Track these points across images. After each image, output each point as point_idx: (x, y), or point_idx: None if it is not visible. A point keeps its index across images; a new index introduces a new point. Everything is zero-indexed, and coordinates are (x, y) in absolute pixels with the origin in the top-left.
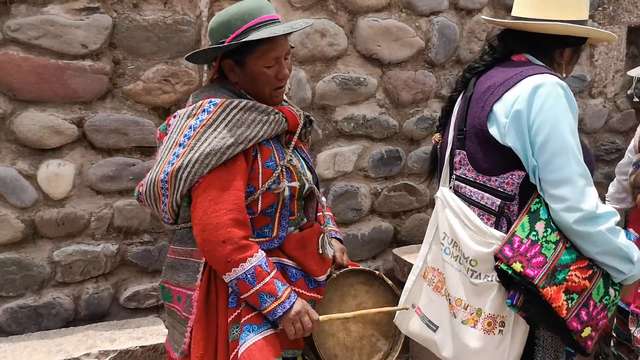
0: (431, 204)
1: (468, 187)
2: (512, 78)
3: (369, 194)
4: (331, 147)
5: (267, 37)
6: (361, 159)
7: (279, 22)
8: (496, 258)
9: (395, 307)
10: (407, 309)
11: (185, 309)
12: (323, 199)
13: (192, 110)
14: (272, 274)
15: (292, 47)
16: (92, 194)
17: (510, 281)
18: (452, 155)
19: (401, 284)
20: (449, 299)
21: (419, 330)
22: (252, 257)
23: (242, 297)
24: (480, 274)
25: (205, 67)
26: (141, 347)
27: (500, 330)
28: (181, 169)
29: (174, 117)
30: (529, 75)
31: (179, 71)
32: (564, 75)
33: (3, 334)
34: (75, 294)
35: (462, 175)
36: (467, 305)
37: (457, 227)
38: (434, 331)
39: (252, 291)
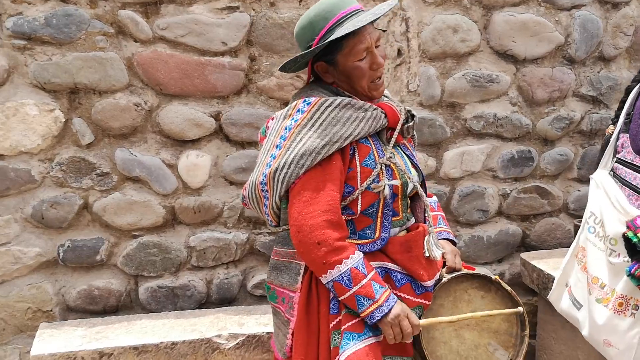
0: (564, 209)
1: (625, 168)
2: None
3: (497, 195)
4: (459, 146)
5: (352, 30)
6: (490, 158)
7: (363, 11)
8: (626, 227)
9: (506, 310)
10: (519, 312)
11: (287, 310)
12: (432, 199)
13: (288, 110)
14: (370, 276)
15: (384, 30)
16: (226, 184)
17: (635, 252)
18: (617, 139)
19: (529, 290)
20: (587, 276)
21: (567, 309)
22: (347, 258)
23: (341, 299)
24: (619, 253)
25: None
26: (267, 333)
27: (632, 314)
28: (278, 170)
29: (272, 119)
30: None
31: None
32: None
33: (144, 310)
34: (208, 278)
35: (622, 158)
36: (604, 285)
37: (605, 206)
38: (578, 309)
39: (348, 294)
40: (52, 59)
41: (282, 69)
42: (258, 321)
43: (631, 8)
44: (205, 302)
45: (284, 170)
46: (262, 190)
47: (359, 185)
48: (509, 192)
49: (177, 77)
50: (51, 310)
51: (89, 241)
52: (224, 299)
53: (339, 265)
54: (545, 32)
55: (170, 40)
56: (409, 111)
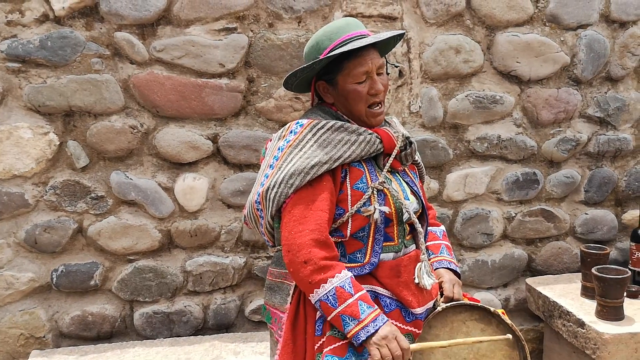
0: (571, 232)
1: None
2: None
3: (502, 218)
4: (462, 168)
5: (353, 52)
6: (494, 181)
7: (368, 36)
8: None
9: (496, 337)
10: (509, 339)
11: (277, 331)
12: (439, 228)
13: (282, 132)
14: (357, 295)
15: (396, 66)
16: (223, 208)
17: None
18: None
19: (534, 317)
20: None
21: None
22: (333, 277)
23: (328, 319)
24: None
25: None
26: None
27: None
28: (269, 189)
29: (270, 140)
30: None
31: None
32: None
33: (139, 337)
34: (205, 303)
35: None
36: None
37: None
38: None
39: (334, 313)
40: (47, 81)
41: (285, 85)
42: (254, 349)
43: (639, 27)
44: (202, 327)
45: (275, 190)
46: (258, 210)
47: (349, 208)
48: (513, 215)
49: (174, 99)
50: (44, 337)
51: (83, 266)
52: (221, 325)
53: (324, 284)
54: (550, 52)
55: (167, 62)
56: (407, 138)
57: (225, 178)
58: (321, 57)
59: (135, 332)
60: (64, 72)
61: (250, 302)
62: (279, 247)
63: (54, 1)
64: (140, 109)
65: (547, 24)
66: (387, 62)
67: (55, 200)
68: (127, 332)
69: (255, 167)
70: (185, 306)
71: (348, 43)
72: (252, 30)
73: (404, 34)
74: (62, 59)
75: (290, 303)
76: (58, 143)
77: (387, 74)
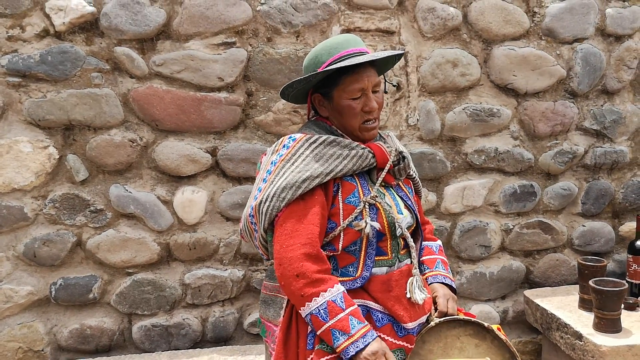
0: (568, 244)
1: None
2: None
3: (499, 231)
4: (460, 181)
5: (350, 68)
6: (492, 193)
7: (367, 54)
8: None
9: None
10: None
11: (271, 344)
12: (436, 243)
13: (275, 146)
14: (348, 310)
15: (394, 85)
16: (222, 221)
17: None
18: None
19: (532, 329)
20: None
21: None
22: (325, 291)
23: (317, 333)
24: None
25: None
26: None
27: None
28: (262, 203)
29: (265, 154)
30: None
31: None
32: None
33: (137, 350)
34: (203, 316)
35: None
36: None
37: None
38: None
39: (324, 327)
40: (47, 96)
41: (281, 95)
42: None
43: (634, 41)
44: (201, 340)
45: (267, 203)
46: (252, 223)
47: (341, 222)
48: (511, 227)
49: (173, 113)
50: (42, 350)
51: (82, 279)
52: (219, 338)
53: (316, 298)
54: (547, 65)
55: (167, 76)
56: (400, 152)
57: (224, 191)
58: (319, 69)
59: (133, 346)
60: (64, 87)
61: (249, 315)
62: (272, 260)
63: (54, 16)
64: (139, 123)
65: (543, 38)
66: (385, 79)
67: (54, 213)
68: (126, 345)
69: (254, 180)
70: (183, 319)
71: (346, 59)
72: (250, 45)
73: (402, 54)
74: (62, 73)
75: (283, 316)
76: (58, 157)
77: (385, 92)
